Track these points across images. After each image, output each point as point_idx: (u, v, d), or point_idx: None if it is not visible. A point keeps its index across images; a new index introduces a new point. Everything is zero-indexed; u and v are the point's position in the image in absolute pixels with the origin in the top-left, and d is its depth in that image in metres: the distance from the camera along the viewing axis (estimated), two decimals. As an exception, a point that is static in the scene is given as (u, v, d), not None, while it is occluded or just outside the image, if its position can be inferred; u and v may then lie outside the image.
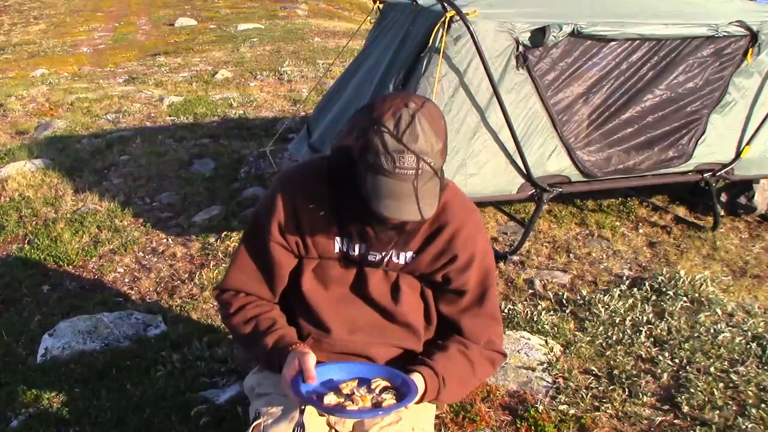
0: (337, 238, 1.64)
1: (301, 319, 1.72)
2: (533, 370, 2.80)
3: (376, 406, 1.47)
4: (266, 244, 1.65)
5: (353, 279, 1.68)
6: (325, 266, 1.67)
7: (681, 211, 4.61)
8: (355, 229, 1.62)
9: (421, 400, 1.58)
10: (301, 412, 1.55)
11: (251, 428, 1.63)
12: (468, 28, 3.22)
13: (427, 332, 1.76)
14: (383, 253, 1.64)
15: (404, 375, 1.55)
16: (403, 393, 1.51)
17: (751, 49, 3.79)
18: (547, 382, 2.74)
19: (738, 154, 3.97)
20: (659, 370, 2.82)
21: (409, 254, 1.65)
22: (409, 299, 1.68)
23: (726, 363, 2.87)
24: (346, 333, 1.69)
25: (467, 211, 1.67)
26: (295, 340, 1.63)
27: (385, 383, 1.54)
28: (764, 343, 3.01)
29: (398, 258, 1.65)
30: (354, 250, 1.64)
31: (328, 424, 1.67)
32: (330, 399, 1.48)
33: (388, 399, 1.49)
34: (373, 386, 1.53)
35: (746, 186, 4.43)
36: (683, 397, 2.64)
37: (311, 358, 1.52)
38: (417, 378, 1.56)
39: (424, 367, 1.60)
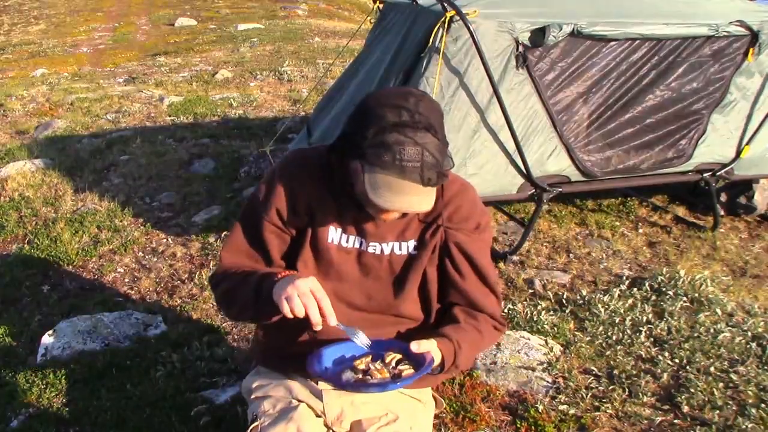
0: (331, 228, 1.62)
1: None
2: (533, 370, 2.80)
3: (395, 377, 1.45)
4: (260, 225, 1.63)
5: (353, 271, 1.66)
6: (325, 256, 1.64)
7: (681, 211, 4.61)
8: (352, 221, 1.61)
9: (442, 368, 1.56)
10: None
11: (249, 431, 1.63)
12: (468, 28, 3.22)
13: (424, 324, 1.74)
14: (383, 245, 1.63)
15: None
16: (418, 362, 1.48)
17: (751, 49, 3.79)
18: (547, 382, 2.74)
19: (738, 154, 3.97)
20: (659, 370, 2.82)
21: (411, 243, 1.64)
22: (410, 293, 1.67)
23: (726, 363, 2.87)
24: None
25: (463, 188, 1.68)
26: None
27: (398, 355, 1.52)
28: (764, 343, 3.01)
29: (401, 249, 1.64)
30: (348, 242, 1.63)
31: (326, 424, 1.67)
32: (348, 376, 1.46)
33: (406, 369, 1.47)
34: (387, 360, 1.51)
35: (746, 186, 4.43)
36: (683, 397, 2.64)
37: (326, 297, 1.45)
38: (431, 344, 1.52)
39: (437, 337, 1.57)
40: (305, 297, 1.42)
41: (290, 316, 1.41)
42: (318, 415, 1.66)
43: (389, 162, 1.37)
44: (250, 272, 1.60)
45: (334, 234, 1.63)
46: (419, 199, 1.41)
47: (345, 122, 1.51)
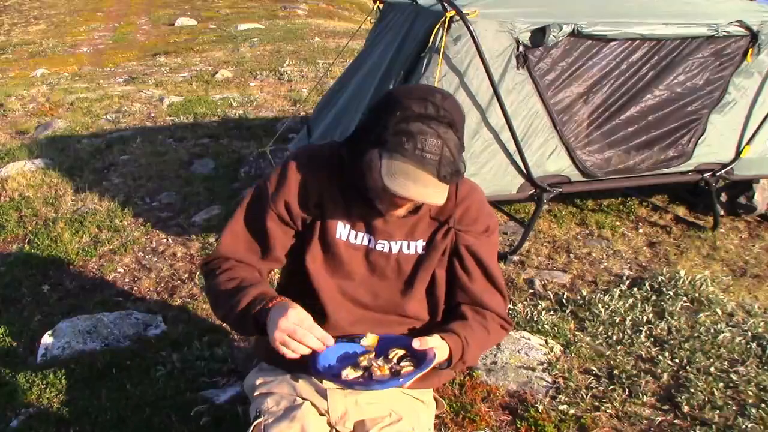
0: (340, 224, 1.62)
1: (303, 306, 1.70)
2: (533, 370, 2.80)
3: (396, 374, 1.45)
4: (264, 213, 1.61)
5: (360, 268, 1.65)
6: (333, 251, 1.63)
7: (681, 211, 4.61)
8: (361, 217, 1.61)
9: (449, 363, 1.55)
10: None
11: (252, 427, 1.63)
12: (468, 28, 3.22)
13: (429, 324, 1.74)
14: (391, 243, 1.63)
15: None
16: (421, 359, 1.48)
17: (750, 49, 3.79)
18: (547, 382, 2.74)
19: (738, 154, 3.98)
20: (659, 370, 2.82)
21: (420, 243, 1.64)
22: (417, 293, 1.67)
23: (726, 363, 2.87)
24: (348, 324, 1.67)
25: (472, 189, 1.68)
26: (283, 298, 1.53)
27: (402, 351, 1.51)
28: (764, 343, 3.01)
29: (409, 249, 1.64)
30: (356, 239, 1.63)
31: (329, 423, 1.67)
32: (348, 373, 1.46)
33: (407, 366, 1.46)
34: (390, 356, 1.50)
35: (746, 186, 4.43)
36: (683, 397, 2.64)
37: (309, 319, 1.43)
38: (436, 340, 1.51)
39: (444, 333, 1.57)
40: (297, 334, 1.39)
41: (294, 356, 1.41)
42: (321, 414, 1.66)
43: (410, 150, 1.38)
44: (238, 289, 1.54)
45: (342, 230, 1.62)
46: (433, 192, 1.42)
47: (365, 114, 1.51)
